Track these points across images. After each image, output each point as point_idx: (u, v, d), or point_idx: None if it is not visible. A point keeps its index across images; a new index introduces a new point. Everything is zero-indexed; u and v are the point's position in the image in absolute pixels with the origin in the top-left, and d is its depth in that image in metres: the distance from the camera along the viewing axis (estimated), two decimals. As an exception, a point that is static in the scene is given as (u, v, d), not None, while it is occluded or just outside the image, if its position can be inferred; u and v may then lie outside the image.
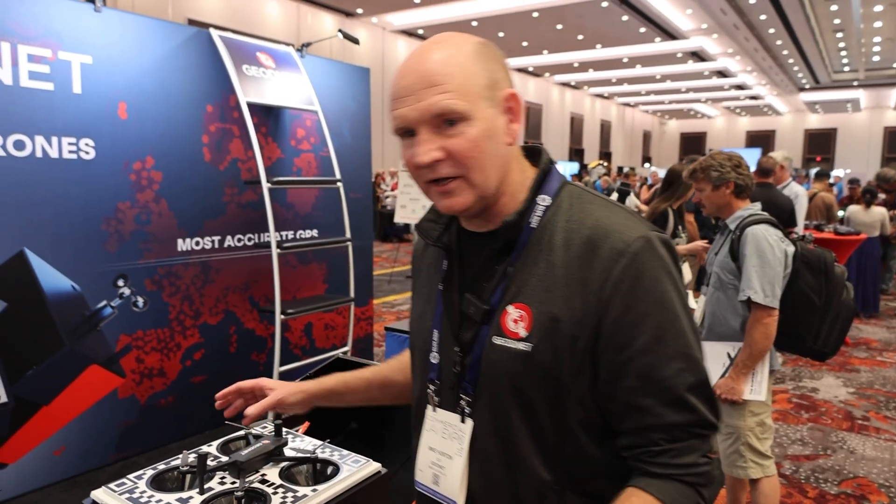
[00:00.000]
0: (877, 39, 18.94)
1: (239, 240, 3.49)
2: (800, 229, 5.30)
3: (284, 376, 3.45)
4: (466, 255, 1.02)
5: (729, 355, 2.48)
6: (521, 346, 0.91)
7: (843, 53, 20.90)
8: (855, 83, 25.60)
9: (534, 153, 1.02)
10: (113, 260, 2.88)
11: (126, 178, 2.91)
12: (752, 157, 5.75)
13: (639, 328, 0.87)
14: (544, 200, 0.96)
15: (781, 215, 4.37)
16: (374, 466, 1.41)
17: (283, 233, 3.71)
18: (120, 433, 2.98)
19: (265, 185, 3.22)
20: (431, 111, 0.87)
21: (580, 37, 18.08)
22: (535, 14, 15.69)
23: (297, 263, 3.84)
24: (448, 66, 0.88)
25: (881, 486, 3.41)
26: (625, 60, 21.27)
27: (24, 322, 2.62)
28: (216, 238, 3.36)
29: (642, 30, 16.96)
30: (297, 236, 3.84)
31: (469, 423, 0.96)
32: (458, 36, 0.93)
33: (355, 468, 1.37)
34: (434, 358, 1.02)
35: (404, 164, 0.96)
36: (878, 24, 16.98)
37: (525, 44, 19.38)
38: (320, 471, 1.39)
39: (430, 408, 1.03)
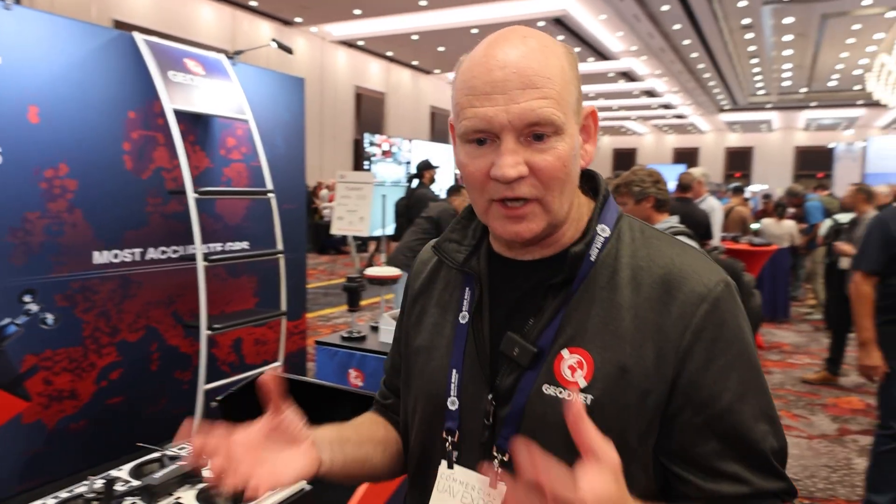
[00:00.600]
0: (787, 66, 20.23)
1: (163, 252, 3.33)
2: (716, 241, 5.59)
3: (210, 394, 3.31)
4: (498, 284, 0.88)
5: None
6: (581, 397, 0.77)
7: (758, 78, 22.19)
8: (768, 105, 27.25)
9: (584, 177, 0.90)
10: (19, 274, 2.68)
11: (36, 187, 2.72)
12: (678, 173, 6.06)
13: (723, 384, 0.76)
14: (604, 231, 0.84)
15: (698, 228, 4.57)
16: (298, 483, 1.35)
17: (212, 245, 3.58)
18: (24, 462, 2.76)
19: (191, 196, 3.09)
20: (528, 118, 0.73)
21: (516, 54, 18.45)
22: (475, 30, 15.90)
23: (226, 276, 3.70)
24: (550, 69, 0.75)
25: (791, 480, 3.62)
26: (559, 78, 21.85)
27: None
28: (137, 250, 3.20)
29: (576, 49, 17.48)
30: (227, 248, 3.71)
31: (502, 487, 0.81)
32: (546, 35, 0.79)
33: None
34: (452, 404, 0.86)
35: (459, 173, 0.81)
36: (787, 52, 18.13)
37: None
38: (241, 491, 1.32)
39: (443, 464, 0.86)
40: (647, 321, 0.77)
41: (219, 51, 3.88)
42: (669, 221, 2.68)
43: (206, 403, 3.25)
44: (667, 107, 27.35)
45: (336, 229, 7.84)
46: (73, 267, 2.89)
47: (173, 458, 1.36)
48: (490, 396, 0.82)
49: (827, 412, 4.79)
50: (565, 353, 0.79)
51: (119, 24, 11.99)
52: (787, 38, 16.53)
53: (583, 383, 0.77)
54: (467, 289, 0.89)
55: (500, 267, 0.88)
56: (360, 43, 18.21)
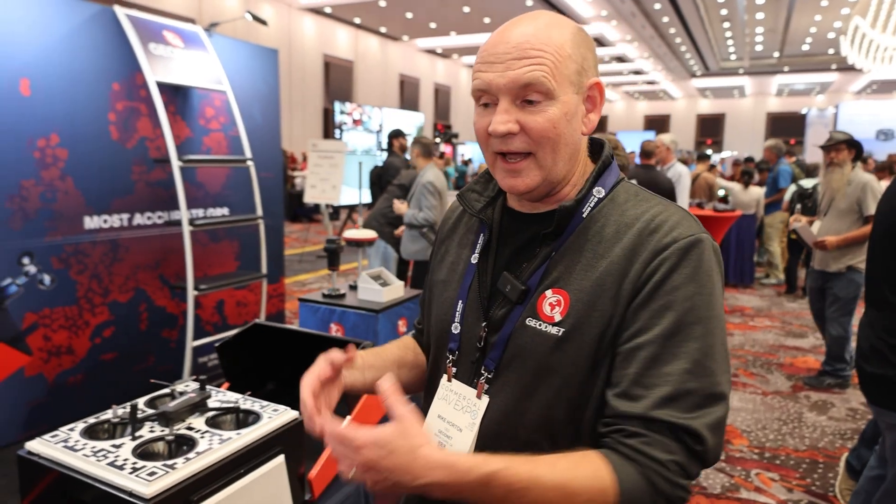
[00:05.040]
0: (759, 30, 20.36)
1: (148, 218, 3.50)
2: (683, 205, 5.80)
3: (197, 351, 3.53)
4: (507, 232, 1.02)
5: None
6: (554, 330, 0.89)
7: (730, 42, 22.34)
8: (740, 71, 27.36)
9: (595, 147, 1.02)
10: (17, 238, 2.85)
11: (30, 156, 2.87)
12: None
13: (657, 319, 0.84)
14: (599, 193, 0.95)
15: (663, 194, 4.79)
16: (293, 414, 1.58)
17: (194, 211, 3.75)
18: (27, 412, 2.97)
19: (175, 164, 3.25)
20: (519, 82, 0.86)
21: (487, 20, 18.41)
22: (444, -4, 15.85)
23: (207, 241, 3.88)
24: (547, 43, 0.87)
25: (743, 432, 3.89)
26: (531, 44, 21.72)
27: (-76, 302, 2.56)
28: (125, 216, 3.36)
29: (547, 15, 17.46)
30: (208, 214, 3.88)
31: (485, 399, 0.95)
32: (558, 16, 0.92)
33: (275, 415, 1.54)
34: (455, 328, 1.01)
35: (475, 132, 0.96)
36: (760, 15, 18.27)
37: (433, 25, 19.52)
38: (242, 419, 1.55)
39: (445, 377, 1.02)
40: (619, 267, 0.87)
41: (186, 20, 3.97)
42: None
43: (194, 359, 3.46)
44: (637, 73, 27.46)
45: (309, 197, 7.97)
46: (66, 231, 3.06)
47: (182, 393, 1.58)
48: (484, 325, 0.96)
49: (783, 371, 5.01)
50: (548, 293, 0.91)
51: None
52: (760, 1, 16.68)
53: (558, 318, 0.89)
54: (481, 234, 1.04)
55: (509, 218, 1.02)
56: (328, 10, 17.97)
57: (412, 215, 4.66)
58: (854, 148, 4.28)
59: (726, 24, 19.57)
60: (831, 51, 22.54)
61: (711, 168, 9.84)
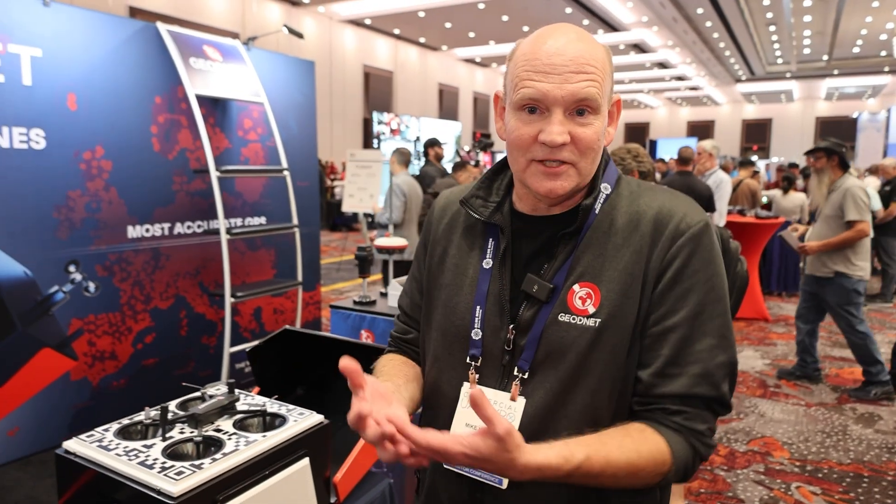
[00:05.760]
0: (807, 33, 19.81)
1: (188, 227, 3.61)
2: (722, 212, 5.71)
3: (235, 356, 3.61)
4: (518, 235, 1.04)
5: None
6: (590, 322, 0.93)
7: (776, 46, 21.78)
8: (788, 75, 26.64)
9: None
10: (64, 246, 2.98)
11: (76, 168, 3.00)
12: (694, 146, 6.02)
13: (683, 301, 0.92)
14: (606, 189, 1.00)
15: (700, 200, 4.74)
16: (318, 418, 1.61)
17: (232, 220, 3.85)
18: (72, 415, 3.09)
19: (214, 174, 3.35)
20: (577, 96, 0.90)
21: (525, 28, 18.39)
22: (482, 6, 15.91)
23: (245, 250, 3.98)
24: (596, 60, 0.91)
25: (784, 444, 3.78)
26: (570, 52, 21.63)
27: (-22, 307, 2.70)
28: (166, 225, 3.48)
29: (585, 22, 17.39)
30: (246, 223, 3.98)
31: (521, 400, 0.96)
32: (588, 33, 0.96)
33: (301, 419, 1.58)
34: (476, 334, 1.01)
35: (506, 137, 0.96)
36: (807, 17, 17.79)
37: (472, 34, 19.60)
38: (269, 422, 1.58)
39: (466, 385, 1.02)
40: (641, 255, 0.94)
41: (230, 34, 4.10)
42: None
43: (231, 365, 3.54)
44: (680, 78, 27.03)
45: (347, 206, 8.08)
46: (110, 240, 3.18)
47: (212, 397, 1.63)
48: (511, 327, 0.98)
49: (828, 382, 4.87)
50: (576, 287, 0.95)
51: (133, 11, 12.20)
52: (807, 3, 16.21)
53: (592, 310, 0.94)
54: (490, 239, 1.05)
55: (519, 221, 1.04)
56: (368, 21, 18.24)
57: (380, 215, 5.31)
58: (835, 155, 4.37)
59: (772, 28, 19.10)
60: (883, 53, 21.79)
61: (755, 174, 9.61)
